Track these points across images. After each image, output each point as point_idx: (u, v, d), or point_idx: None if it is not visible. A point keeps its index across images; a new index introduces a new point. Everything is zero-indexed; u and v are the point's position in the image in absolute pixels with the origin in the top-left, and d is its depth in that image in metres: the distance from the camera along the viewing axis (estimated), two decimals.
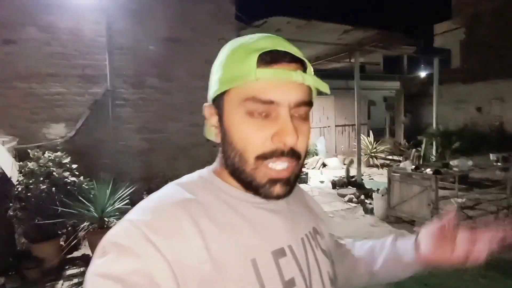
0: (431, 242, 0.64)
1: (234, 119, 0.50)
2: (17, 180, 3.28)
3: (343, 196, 6.10)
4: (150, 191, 0.73)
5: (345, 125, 11.39)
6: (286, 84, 0.48)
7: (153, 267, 0.42)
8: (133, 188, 3.74)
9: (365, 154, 8.99)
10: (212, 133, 0.56)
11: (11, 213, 3.24)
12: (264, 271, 0.49)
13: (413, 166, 5.03)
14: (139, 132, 4.74)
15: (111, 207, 3.52)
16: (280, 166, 0.49)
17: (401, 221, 4.78)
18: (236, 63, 0.49)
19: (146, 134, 4.78)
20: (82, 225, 3.51)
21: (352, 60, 6.23)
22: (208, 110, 0.55)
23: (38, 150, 3.58)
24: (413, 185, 4.58)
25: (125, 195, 3.66)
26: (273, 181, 0.50)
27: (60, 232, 3.59)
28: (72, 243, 3.55)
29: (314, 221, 0.66)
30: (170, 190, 0.52)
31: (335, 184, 6.69)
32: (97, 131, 4.38)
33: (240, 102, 0.48)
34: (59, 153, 3.60)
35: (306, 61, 0.50)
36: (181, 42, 4.91)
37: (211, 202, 0.51)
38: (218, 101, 0.52)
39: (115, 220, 3.48)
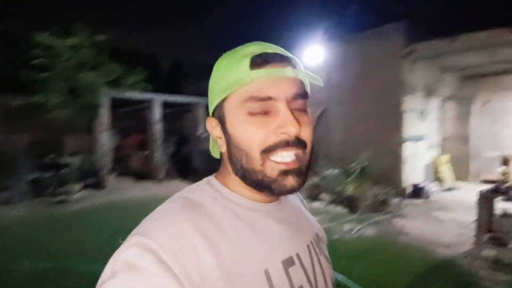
0: None
1: (236, 121, 0.51)
2: None
3: None
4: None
5: None
6: (280, 80, 0.51)
7: None
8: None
9: None
10: (215, 147, 0.60)
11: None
12: (276, 281, 0.50)
13: None
14: (338, 131, 8.27)
15: None
16: (288, 158, 0.51)
17: None
18: (230, 71, 0.51)
19: (342, 133, 8.19)
20: None
21: None
22: (209, 122, 0.56)
23: None
24: None
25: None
26: (285, 173, 0.51)
27: None
28: None
29: (315, 227, 0.67)
30: (178, 202, 0.53)
31: None
32: (318, 129, 8.56)
33: (240, 104, 0.51)
34: None
35: (295, 58, 0.54)
36: (363, 75, 7.72)
37: (220, 213, 0.52)
38: (219, 111, 0.54)
39: None
